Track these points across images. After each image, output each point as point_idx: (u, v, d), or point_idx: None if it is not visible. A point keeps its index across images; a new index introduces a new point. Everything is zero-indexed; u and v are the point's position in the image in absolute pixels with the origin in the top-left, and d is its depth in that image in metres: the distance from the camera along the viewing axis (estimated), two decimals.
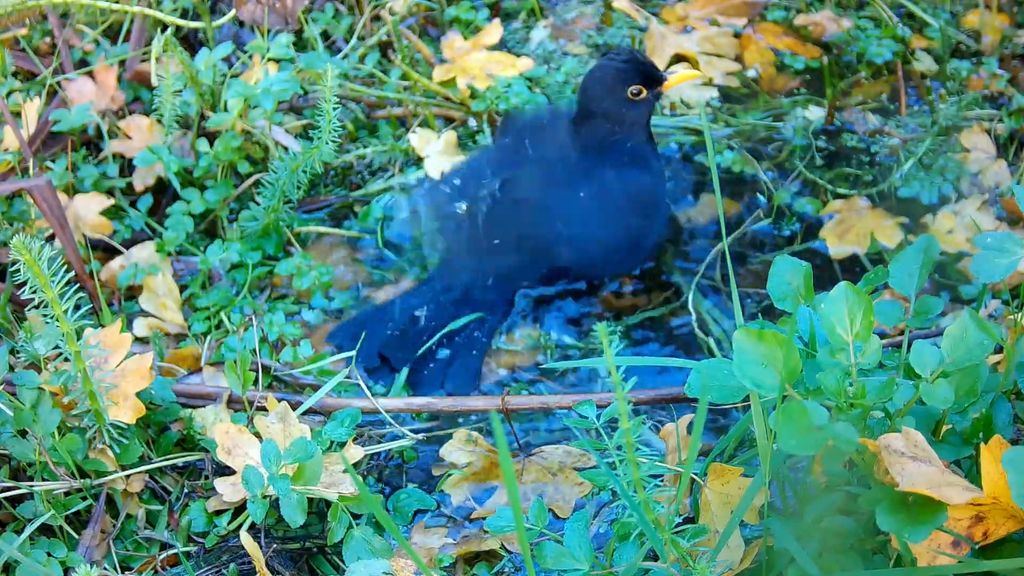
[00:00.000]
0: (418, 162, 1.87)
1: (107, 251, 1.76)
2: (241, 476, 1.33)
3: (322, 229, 1.80)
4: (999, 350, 1.22)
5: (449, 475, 1.47)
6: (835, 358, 1.11)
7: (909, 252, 1.28)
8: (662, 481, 1.31)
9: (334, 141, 1.62)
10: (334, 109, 1.59)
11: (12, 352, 1.45)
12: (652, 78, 1.67)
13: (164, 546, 1.40)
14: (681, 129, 1.91)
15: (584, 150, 1.68)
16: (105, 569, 1.35)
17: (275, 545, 1.37)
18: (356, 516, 1.35)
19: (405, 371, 1.61)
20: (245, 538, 1.29)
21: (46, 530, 1.37)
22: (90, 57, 1.95)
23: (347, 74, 1.96)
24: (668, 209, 1.78)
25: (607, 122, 1.67)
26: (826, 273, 1.72)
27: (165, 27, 1.83)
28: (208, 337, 1.63)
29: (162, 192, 1.82)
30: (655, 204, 1.71)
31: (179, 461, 1.44)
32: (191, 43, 2.00)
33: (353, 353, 1.58)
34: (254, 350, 1.56)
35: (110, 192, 1.79)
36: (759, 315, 1.65)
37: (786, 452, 1.10)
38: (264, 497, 1.32)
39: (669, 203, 1.80)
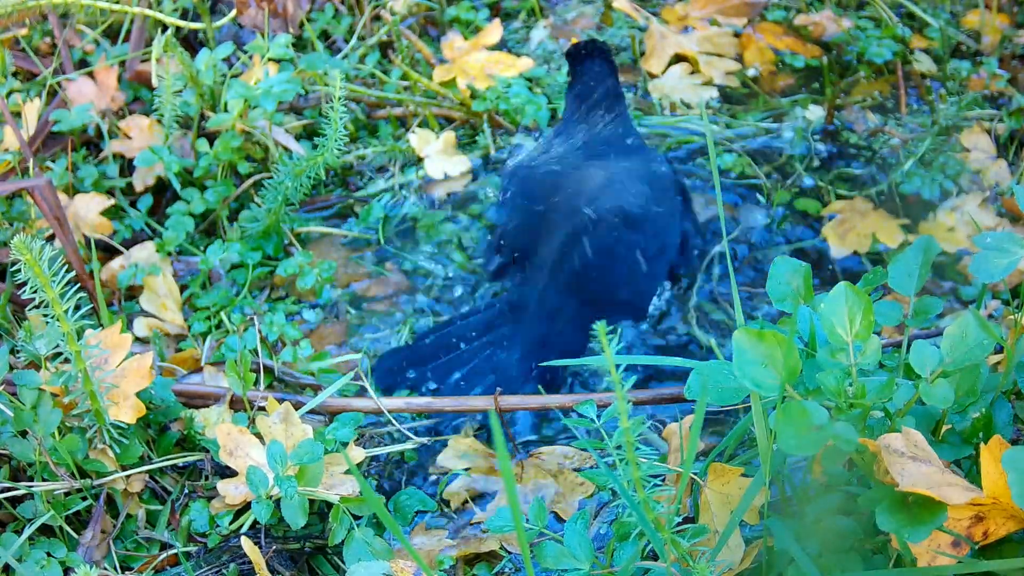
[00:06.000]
0: (418, 162, 1.87)
1: (107, 251, 1.76)
2: (246, 477, 1.33)
3: (322, 229, 1.80)
4: (999, 350, 1.22)
5: (451, 478, 1.47)
6: (835, 358, 1.11)
7: (908, 252, 1.28)
8: (663, 481, 1.31)
9: (339, 149, 1.62)
10: (340, 116, 1.59)
11: (12, 352, 1.45)
12: None
13: (164, 546, 1.40)
14: (680, 130, 1.91)
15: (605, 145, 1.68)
16: (105, 569, 1.35)
17: (276, 545, 1.37)
18: (356, 517, 1.35)
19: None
20: (246, 542, 1.29)
21: (46, 530, 1.37)
22: (90, 57, 1.95)
23: (347, 74, 1.96)
24: None
25: (605, 104, 1.68)
26: (827, 273, 1.72)
27: (165, 27, 1.83)
28: (208, 337, 1.63)
29: (162, 192, 1.82)
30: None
31: (179, 461, 1.44)
32: (191, 43, 2.00)
33: (358, 356, 1.58)
34: (255, 350, 1.56)
35: (110, 192, 1.79)
36: (759, 315, 1.65)
37: (786, 452, 1.10)
38: (268, 497, 1.32)
39: None
